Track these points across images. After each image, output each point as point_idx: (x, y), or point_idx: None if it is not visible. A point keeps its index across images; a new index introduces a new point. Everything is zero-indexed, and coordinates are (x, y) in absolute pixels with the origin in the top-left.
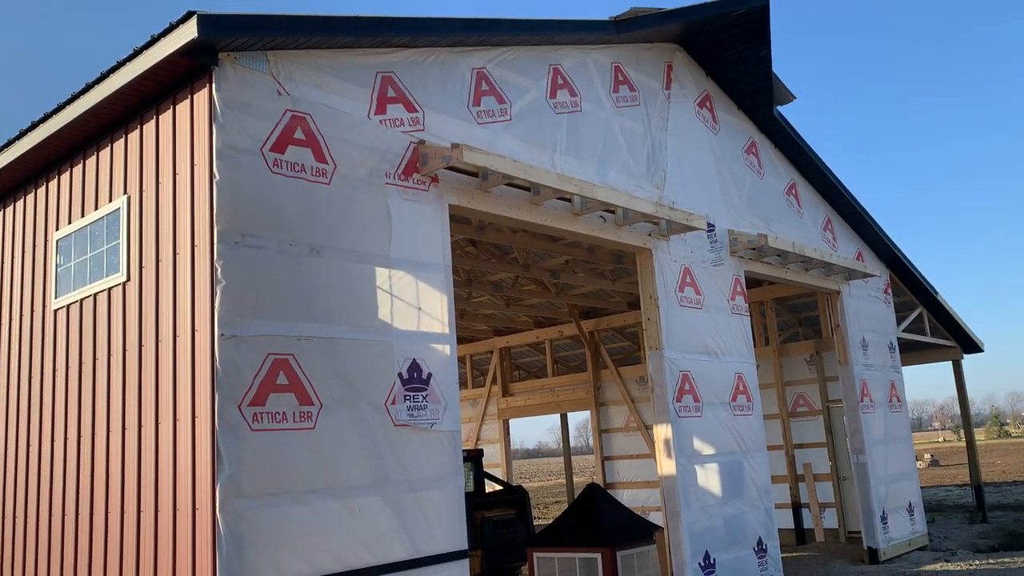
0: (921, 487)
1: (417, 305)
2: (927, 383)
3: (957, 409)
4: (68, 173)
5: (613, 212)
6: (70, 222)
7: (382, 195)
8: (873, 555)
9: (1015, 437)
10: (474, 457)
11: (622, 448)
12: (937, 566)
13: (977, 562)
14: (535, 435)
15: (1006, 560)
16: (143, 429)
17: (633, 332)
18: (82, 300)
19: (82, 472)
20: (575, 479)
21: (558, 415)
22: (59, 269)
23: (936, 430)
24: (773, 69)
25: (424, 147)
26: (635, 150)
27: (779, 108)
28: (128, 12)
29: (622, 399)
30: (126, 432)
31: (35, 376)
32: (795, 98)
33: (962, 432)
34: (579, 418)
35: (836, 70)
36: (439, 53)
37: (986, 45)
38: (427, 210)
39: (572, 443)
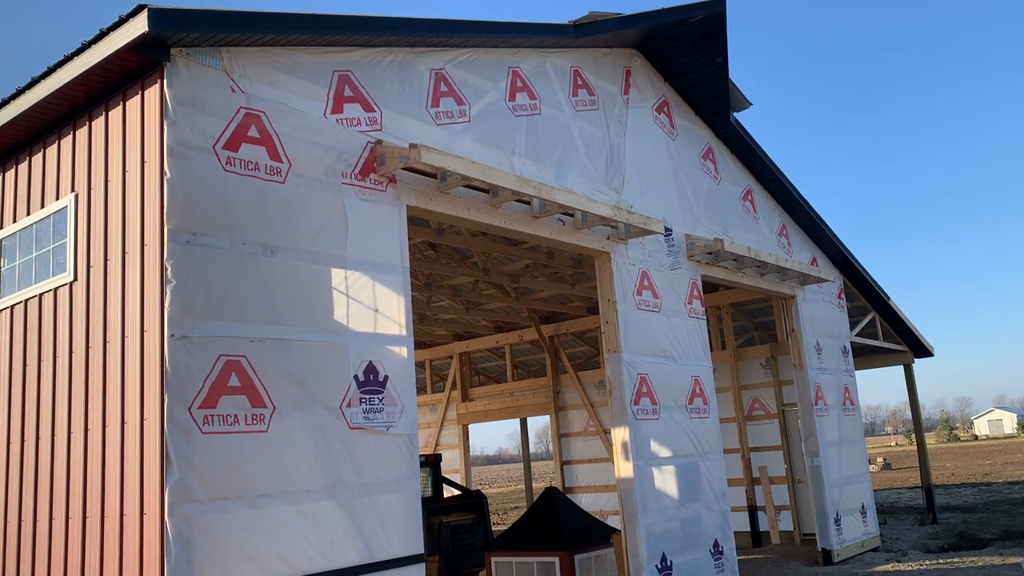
0: (873, 490)
1: (374, 307)
2: (880, 388)
3: (909, 414)
4: (13, 171)
5: (572, 215)
6: (15, 221)
7: (338, 195)
8: (827, 556)
9: (964, 441)
10: (432, 462)
11: (581, 452)
12: (889, 566)
13: (927, 562)
14: (495, 441)
15: (955, 560)
16: (90, 432)
17: (592, 337)
18: (27, 300)
19: (26, 476)
20: (534, 484)
21: (518, 420)
22: (3, 269)
23: (888, 434)
24: (730, 76)
25: (381, 147)
26: (594, 154)
27: (736, 115)
28: (79, 6)
29: (581, 403)
30: (72, 435)
31: None
32: (751, 104)
33: (913, 436)
34: (539, 424)
35: (795, 74)
36: (397, 53)
37: (941, 57)
38: (384, 211)
39: (532, 449)
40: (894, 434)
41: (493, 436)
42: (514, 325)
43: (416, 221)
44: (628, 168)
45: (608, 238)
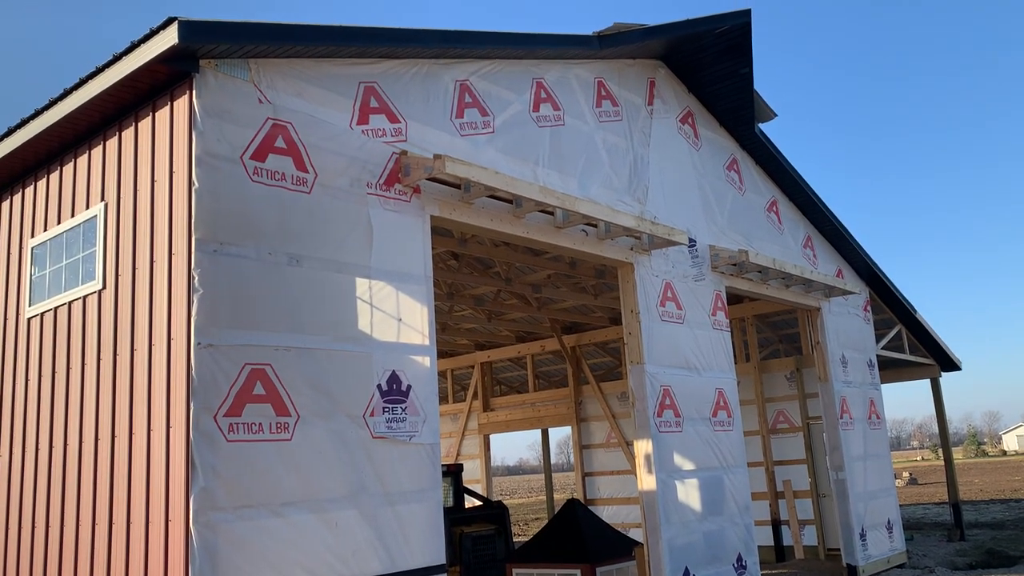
0: (900, 505)
1: (397, 316)
2: (906, 401)
3: (935, 428)
4: (44, 180)
5: (595, 226)
6: (46, 229)
7: (363, 205)
8: (852, 572)
9: (992, 456)
10: (454, 472)
11: (603, 464)
12: None
13: None
14: (516, 452)
15: None
16: (116, 439)
17: (615, 347)
18: (57, 308)
19: (53, 483)
20: (556, 495)
21: (539, 431)
22: (34, 277)
23: (914, 448)
24: (755, 87)
25: (406, 158)
26: (617, 165)
27: (761, 125)
28: (126, 3)
29: (603, 415)
30: (99, 442)
31: (7, 385)
32: (776, 116)
33: (940, 451)
34: (560, 435)
35: (823, 90)
36: (422, 64)
37: (969, 78)
38: (408, 221)
39: (553, 460)
40: (920, 448)
41: (514, 446)
42: (536, 335)
43: (439, 231)
44: (652, 179)
45: (631, 249)
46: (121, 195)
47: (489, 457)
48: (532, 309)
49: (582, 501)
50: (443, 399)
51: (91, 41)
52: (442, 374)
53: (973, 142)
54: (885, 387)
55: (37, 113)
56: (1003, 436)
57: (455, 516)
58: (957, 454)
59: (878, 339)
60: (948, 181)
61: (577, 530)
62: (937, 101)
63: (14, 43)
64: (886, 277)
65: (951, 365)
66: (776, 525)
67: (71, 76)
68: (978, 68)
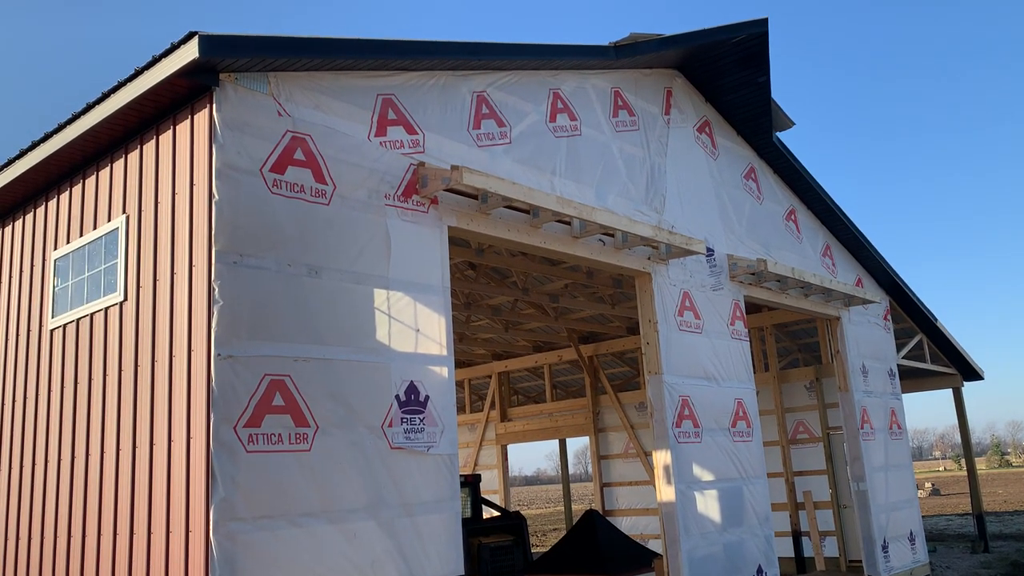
0: (922, 516)
1: (415, 327)
2: (927, 411)
3: (958, 438)
4: (67, 192)
5: (612, 235)
6: (68, 241)
7: (381, 216)
8: None
9: (1016, 467)
10: (471, 482)
11: (621, 475)
12: None
13: None
14: (533, 462)
15: None
16: (138, 450)
17: (632, 357)
18: (79, 320)
19: (75, 493)
20: (574, 506)
21: (556, 441)
22: (56, 289)
23: (936, 459)
24: (772, 95)
25: (424, 169)
26: (634, 174)
27: (778, 134)
28: (159, 9)
29: (621, 425)
30: (120, 453)
31: (30, 396)
32: (794, 124)
33: (963, 461)
34: (578, 445)
35: (841, 99)
36: (440, 76)
37: (989, 83)
38: (426, 232)
39: (571, 470)
40: (942, 459)
41: (532, 456)
42: (553, 345)
43: (456, 241)
44: (669, 188)
45: (649, 258)
46: (142, 208)
47: (507, 467)
48: (549, 319)
49: (600, 512)
50: (460, 409)
51: (106, 52)
52: (459, 384)
53: (998, 143)
54: (906, 397)
55: (60, 127)
56: None
57: (473, 527)
58: (980, 464)
59: (899, 348)
60: (971, 184)
61: (595, 541)
62: (953, 101)
63: (32, 55)
64: (906, 285)
65: (973, 374)
66: (796, 536)
67: (95, 86)
68: (1008, 65)
